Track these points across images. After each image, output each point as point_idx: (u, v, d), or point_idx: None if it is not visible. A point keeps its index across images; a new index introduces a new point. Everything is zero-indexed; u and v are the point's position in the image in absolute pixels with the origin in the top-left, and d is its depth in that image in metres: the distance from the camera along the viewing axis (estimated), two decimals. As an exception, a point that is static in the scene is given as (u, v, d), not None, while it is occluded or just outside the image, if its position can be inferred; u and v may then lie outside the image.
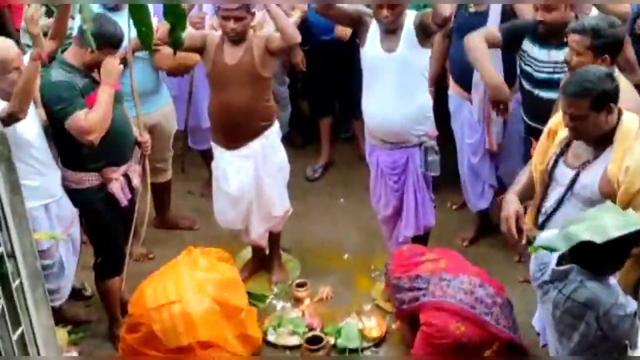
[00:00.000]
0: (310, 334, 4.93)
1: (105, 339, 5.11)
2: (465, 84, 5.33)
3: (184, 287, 4.61)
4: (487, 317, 4.40)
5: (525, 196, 4.02)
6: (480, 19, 5.11)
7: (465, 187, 5.70)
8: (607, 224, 3.09)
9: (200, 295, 4.60)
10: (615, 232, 3.04)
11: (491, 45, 4.79)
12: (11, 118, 4.18)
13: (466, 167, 5.61)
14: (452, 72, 5.52)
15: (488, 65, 4.72)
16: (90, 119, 4.43)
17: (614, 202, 3.56)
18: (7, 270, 2.72)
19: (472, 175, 5.61)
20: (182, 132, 6.25)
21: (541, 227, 3.91)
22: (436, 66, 5.57)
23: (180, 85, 6.02)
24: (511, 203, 3.86)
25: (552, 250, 3.29)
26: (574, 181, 3.81)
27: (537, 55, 4.74)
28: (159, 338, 4.52)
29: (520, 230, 3.79)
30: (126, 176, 4.81)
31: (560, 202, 3.87)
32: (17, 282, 2.78)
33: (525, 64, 4.83)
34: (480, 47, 4.70)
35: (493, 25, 4.96)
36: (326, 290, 5.40)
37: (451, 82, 5.53)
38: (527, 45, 4.78)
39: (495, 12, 5.10)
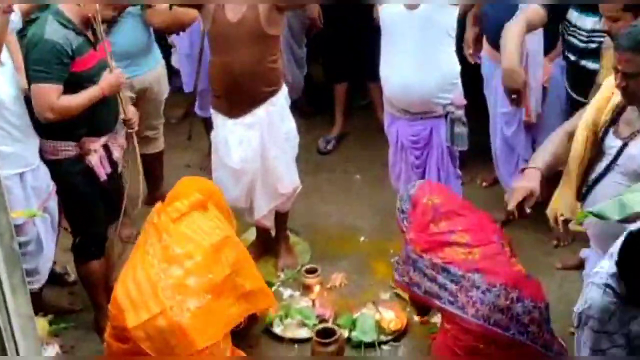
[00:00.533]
0: (321, 326, 4.95)
1: (90, 329, 5.16)
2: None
3: (163, 291, 4.48)
4: (521, 336, 4.34)
5: (553, 169, 4.05)
6: None
7: (497, 161, 5.72)
8: None
9: (183, 296, 4.48)
10: None
11: (534, 25, 4.74)
12: None
13: (499, 140, 5.61)
14: (485, 31, 5.55)
15: (510, 47, 4.57)
16: (60, 102, 4.55)
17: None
18: (-21, 251, 2.75)
19: (506, 149, 5.62)
20: (191, 94, 6.40)
21: (583, 199, 3.97)
22: (473, 30, 5.69)
23: (192, 43, 6.12)
24: (532, 182, 3.86)
25: (603, 218, 3.29)
26: (620, 151, 3.83)
27: (584, 24, 4.80)
28: (151, 355, 4.48)
29: (522, 211, 3.83)
30: (106, 148, 4.90)
31: (603, 174, 3.89)
32: (-10, 265, 2.80)
33: (569, 34, 4.89)
34: (511, 29, 4.59)
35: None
36: (339, 277, 5.45)
37: (485, 43, 5.55)
38: (572, 14, 4.83)
39: None
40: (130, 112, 4.97)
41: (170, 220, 4.63)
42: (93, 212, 4.97)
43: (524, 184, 3.85)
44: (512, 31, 4.57)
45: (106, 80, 4.68)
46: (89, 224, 4.99)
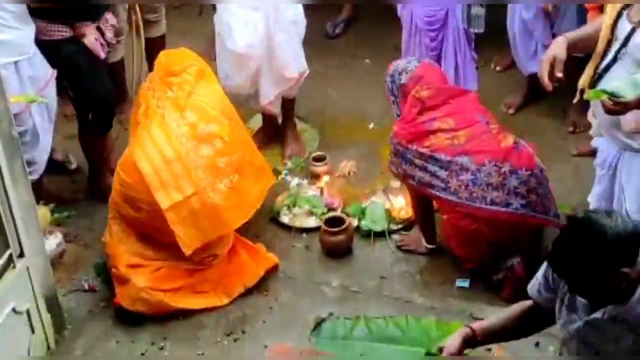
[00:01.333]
0: (329, 215, 5.05)
1: (93, 218, 5.32)
2: None
3: (195, 172, 4.60)
4: (524, 209, 4.46)
5: (580, 45, 4.11)
6: None
7: (514, 45, 5.78)
8: None
9: (214, 177, 4.62)
10: None
11: None
12: None
13: (517, 23, 5.68)
14: None
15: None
16: None
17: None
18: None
19: (524, 33, 5.68)
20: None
21: (592, 87, 4.02)
22: None
23: None
24: (554, 46, 3.94)
25: (617, 97, 3.39)
26: (628, 38, 3.88)
27: None
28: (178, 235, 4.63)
29: (554, 78, 3.88)
30: (99, 30, 5.13)
31: (612, 62, 3.95)
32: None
33: None
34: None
35: None
36: (348, 165, 5.55)
37: None
38: None
39: None
40: None
41: (186, 93, 4.73)
42: (101, 86, 5.21)
43: (547, 53, 3.94)
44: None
45: None
46: (99, 100, 5.23)
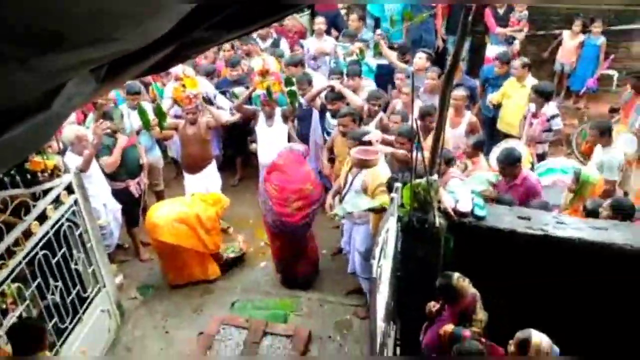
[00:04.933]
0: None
1: (135, 265, 8.68)
2: None
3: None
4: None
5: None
6: None
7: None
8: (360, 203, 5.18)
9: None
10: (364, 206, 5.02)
11: None
12: (81, 171, 7.14)
13: None
14: None
15: None
16: (106, 161, 7.89)
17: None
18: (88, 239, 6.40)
19: None
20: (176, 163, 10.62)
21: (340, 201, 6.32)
22: None
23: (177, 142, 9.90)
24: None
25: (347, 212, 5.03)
26: (352, 182, 6.19)
27: None
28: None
29: None
30: (138, 184, 8.48)
31: (347, 192, 6.36)
32: (90, 244, 6.48)
33: None
34: None
35: None
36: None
37: None
38: None
39: None
40: (144, 160, 8.60)
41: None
42: (134, 207, 8.58)
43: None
44: None
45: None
46: (133, 212, 8.58)
